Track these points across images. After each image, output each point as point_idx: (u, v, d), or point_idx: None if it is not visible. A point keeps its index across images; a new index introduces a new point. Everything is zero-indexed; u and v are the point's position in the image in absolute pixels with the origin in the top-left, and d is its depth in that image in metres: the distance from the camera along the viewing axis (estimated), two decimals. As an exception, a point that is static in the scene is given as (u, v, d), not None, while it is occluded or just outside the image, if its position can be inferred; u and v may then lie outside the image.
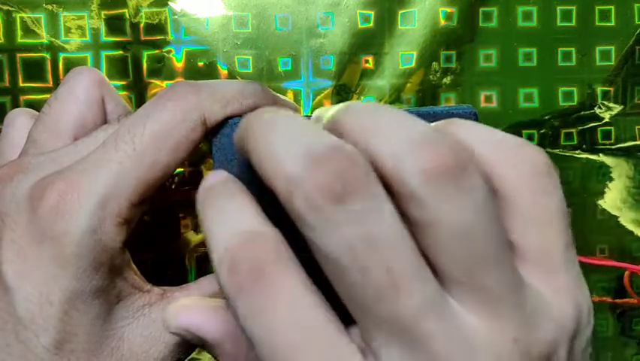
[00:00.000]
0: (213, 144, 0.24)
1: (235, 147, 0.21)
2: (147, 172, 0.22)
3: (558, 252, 0.18)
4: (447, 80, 0.34)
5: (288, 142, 0.17)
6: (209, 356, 0.34)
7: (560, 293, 0.18)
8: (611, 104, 0.34)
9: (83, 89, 0.26)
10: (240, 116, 0.24)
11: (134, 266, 0.25)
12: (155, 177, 0.22)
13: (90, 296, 0.22)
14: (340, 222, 0.16)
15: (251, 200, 0.19)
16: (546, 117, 0.34)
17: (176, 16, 0.32)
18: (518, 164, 0.18)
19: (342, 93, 0.34)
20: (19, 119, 0.27)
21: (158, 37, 0.33)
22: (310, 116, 0.23)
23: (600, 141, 0.34)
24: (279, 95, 0.27)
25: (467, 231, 0.16)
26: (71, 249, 0.21)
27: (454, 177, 0.16)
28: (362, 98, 0.34)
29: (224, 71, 0.33)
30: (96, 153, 0.22)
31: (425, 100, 0.34)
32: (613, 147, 0.34)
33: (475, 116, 0.24)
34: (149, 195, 0.23)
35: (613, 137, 0.34)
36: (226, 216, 0.19)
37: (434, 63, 0.34)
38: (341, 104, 0.20)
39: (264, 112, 0.19)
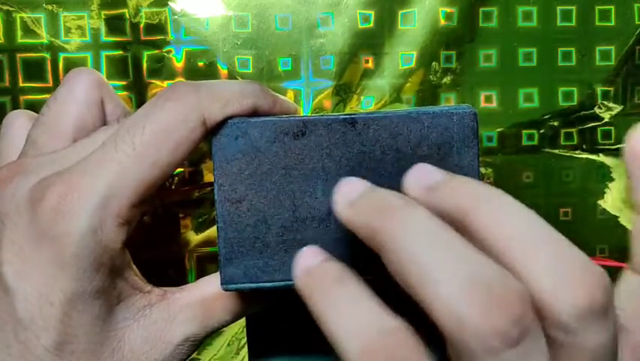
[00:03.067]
0: (213, 144, 0.24)
1: (347, 225, 0.20)
2: (147, 172, 0.22)
3: None
4: (447, 80, 0.34)
5: (449, 267, 0.18)
6: (210, 356, 0.34)
7: None
8: (611, 104, 0.34)
9: (82, 90, 0.26)
10: (239, 116, 0.24)
11: (134, 267, 0.25)
12: (155, 178, 0.22)
13: (90, 297, 0.22)
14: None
15: (363, 283, 0.20)
16: (546, 117, 0.34)
17: (176, 16, 0.32)
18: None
19: (341, 93, 0.34)
20: (18, 121, 0.27)
21: (158, 37, 0.33)
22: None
23: (600, 141, 0.34)
24: (278, 95, 0.27)
25: (604, 353, 0.18)
26: (71, 250, 0.21)
27: (603, 313, 0.18)
28: (362, 98, 0.34)
29: (224, 71, 0.33)
30: (96, 154, 0.22)
31: (425, 100, 0.34)
32: (613, 147, 0.34)
33: (475, 116, 0.24)
34: (149, 196, 0.23)
35: (613, 137, 0.34)
36: (346, 306, 0.19)
37: (434, 63, 0.34)
38: (452, 178, 0.20)
39: (393, 205, 0.19)
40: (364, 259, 0.23)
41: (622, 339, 0.21)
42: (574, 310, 0.18)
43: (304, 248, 0.21)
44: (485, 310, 0.17)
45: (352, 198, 0.20)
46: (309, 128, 0.24)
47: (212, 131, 0.24)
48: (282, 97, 0.27)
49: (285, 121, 0.24)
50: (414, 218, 0.19)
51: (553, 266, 0.18)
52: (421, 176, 0.21)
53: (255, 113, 0.25)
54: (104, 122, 0.26)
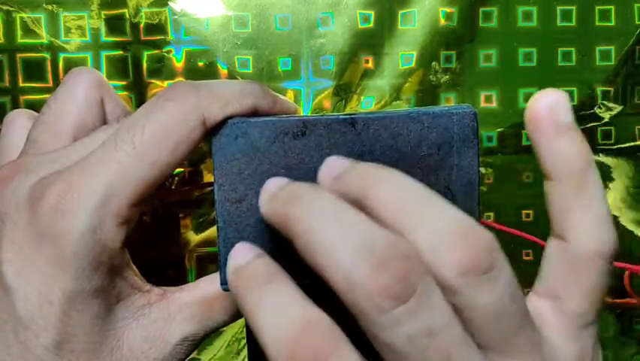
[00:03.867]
0: (213, 144, 0.24)
1: (266, 218, 0.21)
2: (147, 172, 0.22)
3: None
4: (447, 80, 0.34)
5: (343, 236, 0.18)
6: (209, 356, 0.34)
7: None
8: (611, 104, 0.34)
9: (83, 89, 0.26)
10: (239, 116, 0.24)
11: (133, 266, 0.25)
12: (154, 177, 0.22)
13: (90, 296, 0.22)
14: (403, 319, 0.18)
15: (290, 281, 0.20)
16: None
17: (176, 16, 0.32)
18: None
19: (341, 93, 0.34)
20: (19, 120, 0.27)
21: (158, 37, 0.33)
22: (306, 116, 0.23)
23: (600, 141, 0.34)
24: (278, 95, 0.26)
25: (498, 311, 0.19)
26: (71, 249, 0.21)
27: (485, 271, 0.19)
28: (362, 98, 0.34)
29: (224, 71, 0.33)
30: (96, 153, 0.22)
31: (425, 100, 0.34)
32: (613, 147, 0.34)
33: (475, 116, 0.24)
34: (149, 195, 0.23)
35: (613, 137, 0.34)
36: (272, 303, 0.19)
37: (434, 63, 0.34)
38: (353, 166, 0.21)
39: (301, 192, 0.20)
40: None
41: (553, 307, 0.22)
42: (455, 270, 0.18)
43: (235, 246, 0.22)
44: (371, 269, 0.18)
45: (271, 193, 0.21)
46: (309, 129, 0.24)
47: (212, 131, 0.24)
48: (282, 97, 0.27)
49: (285, 121, 0.24)
50: (316, 201, 0.20)
51: (435, 231, 0.19)
52: (329, 166, 0.22)
53: (255, 113, 0.25)
54: (104, 122, 0.26)
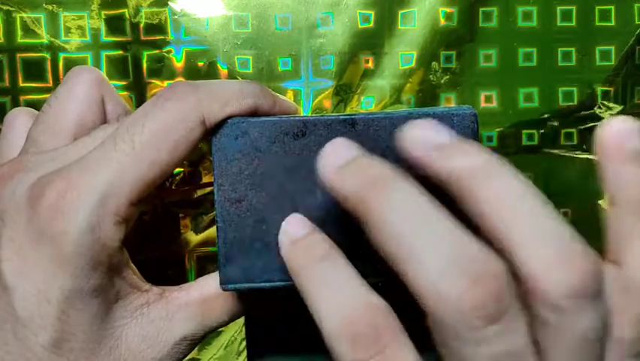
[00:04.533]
0: (213, 144, 0.24)
1: (331, 189, 0.20)
2: (146, 171, 0.22)
3: None
4: (447, 80, 0.34)
5: (433, 241, 0.18)
6: (209, 356, 0.34)
7: None
8: (611, 104, 0.34)
9: (83, 88, 0.26)
10: (239, 116, 0.24)
11: (132, 266, 0.25)
12: (153, 177, 0.22)
13: (88, 295, 0.22)
14: (489, 339, 0.18)
15: (348, 262, 0.20)
16: (546, 117, 0.34)
17: (176, 16, 0.32)
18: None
19: (342, 93, 0.34)
20: (19, 119, 0.27)
21: (158, 37, 0.33)
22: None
23: (600, 141, 0.34)
24: (278, 95, 0.27)
25: (591, 337, 0.19)
26: (70, 247, 0.21)
27: (594, 296, 0.18)
28: (362, 98, 0.34)
29: (224, 71, 0.33)
30: (95, 152, 0.22)
31: (425, 100, 0.34)
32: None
33: (475, 117, 0.24)
34: (148, 195, 0.23)
35: (613, 137, 0.34)
36: (333, 281, 0.19)
37: (434, 63, 0.34)
38: (454, 143, 0.20)
39: (385, 175, 0.19)
40: (362, 259, 0.23)
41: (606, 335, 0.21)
42: (566, 290, 0.18)
43: (290, 216, 0.21)
44: (464, 286, 0.17)
45: (340, 163, 0.20)
46: (309, 129, 0.24)
47: (211, 131, 0.24)
48: (282, 97, 0.27)
49: (285, 121, 0.24)
50: (403, 193, 0.19)
51: (549, 246, 0.18)
52: (426, 133, 0.20)
53: (254, 113, 0.25)
54: (105, 121, 0.26)
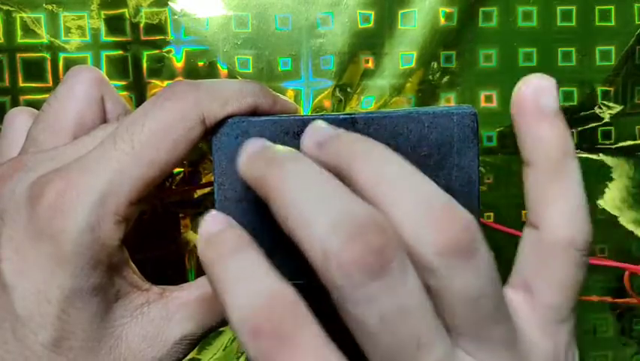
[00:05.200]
0: (213, 144, 0.24)
1: (244, 179, 0.21)
2: (145, 171, 0.22)
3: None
4: (447, 80, 0.34)
5: (321, 205, 0.18)
6: (209, 356, 0.34)
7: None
8: (611, 104, 0.34)
9: (83, 87, 0.26)
10: (239, 115, 0.24)
11: (132, 265, 0.25)
12: (153, 176, 0.22)
13: (88, 294, 0.22)
14: (375, 295, 0.17)
15: (261, 254, 0.20)
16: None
17: (176, 16, 0.33)
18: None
19: (341, 93, 0.34)
20: (19, 118, 0.27)
21: (158, 37, 0.33)
22: (308, 116, 0.23)
23: (600, 141, 0.34)
24: (278, 94, 0.27)
25: (475, 295, 0.19)
26: (69, 247, 0.21)
27: (465, 253, 0.18)
28: (362, 98, 0.34)
29: (224, 71, 0.33)
30: (95, 152, 0.22)
31: (425, 100, 0.34)
32: (613, 147, 0.34)
33: (475, 116, 0.24)
34: (148, 194, 0.23)
35: (613, 137, 0.34)
36: (239, 274, 0.19)
37: (434, 63, 0.34)
38: (338, 134, 0.21)
39: (281, 156, 0.20)
40: None
41: (526, 299, 0.21)
42: (434, 250, 0.18)
43: (207, 214, 0.21)
44: (346, 241, 0.17)
45: (250, 152, 0.21)
46: (309, 128, 0.24)
47: (211, 131, 0.24)
48: (282, 97, 0.27)
49: (285, 120, 0.24)
50: (296, 166, 0.19)
51: (416, 209, 0.18)
52: (313, 132, 0.21)
53: (254, 112, 0.25)
54: (105, 120, 0.26)
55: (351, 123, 0.24)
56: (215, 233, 0.20)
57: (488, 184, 0.34)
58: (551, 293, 0.21)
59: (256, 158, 0.20)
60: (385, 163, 0.19)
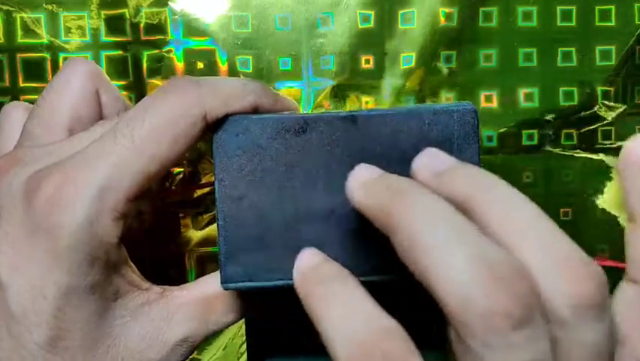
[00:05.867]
0: (214, 141, 0.24)
1: (359, 208, 0.20)
2: (145, 166, 0.22)
3: None
4: (447, 80, 0.34)
5: (456, 241, 0.18)
6: (209, 356, 0.34)
7: None
8: (612, 104, 0.34)
9: (77, 80, 0.25)
10: (240, 113, 0.24)
11: (132, 264, 0.25)
12: (153, 171, 0.22)
13: (85, 292, 0.22)
14: (516, 345, 0.17)
15: (361, 287, 0.20)
16: (546, 117, 0.34)
17: (176, 16, 0.32)
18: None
19: (341, 93, 0.34)
20: (15, 113, 0.26)
21: (158, 37, 0.33)
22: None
23: (600, 141, 0.34)
24: (279, 93, 0.26)
25: (602, 350, 0.18)
26: (66, 242, 0.21)
27: (600, 308, 0.18)
28: (362, 98, 0.34)
29: (224, 71, 0.33)
30: (94, 146, 0.22)
31: (425, 100, 0.34)
32: (613, 146, 0.34)
33: (475, 113, 0.24)
34: (147, 190, 0.23)
35: (613, 137, 0.34)
36: (344, 303, 0.19)
37: (434, 63, 0.34)
38: (458, 165, 0.20)
39: (405, 187, 0.20)
40: (364, 257, 0.23)
41: (622, 353, 0.21)
42: (571, 303, 0.18)
43: (303, 251, 0.22)
44: (490, 288, 0.17)
45: (365, 180, 0.21)
46: (310, 126, 0.24)
47: (212, 128, 0.24)
48: (282, 95, 0.27)
49: (286, 118, 0.24)
50: (423, 200, 0.19)
51: (553, 260, 0.18)
52: (430, 161, 0.21)
53: (255, 110, 0.25)
54: (100, 113, 0.26)
55: (351, 121, 0.24)
56: (313, 267, 0.21)
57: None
58: None
59: (375, 186, 0.20)
60: (514, 203, 0.19)
